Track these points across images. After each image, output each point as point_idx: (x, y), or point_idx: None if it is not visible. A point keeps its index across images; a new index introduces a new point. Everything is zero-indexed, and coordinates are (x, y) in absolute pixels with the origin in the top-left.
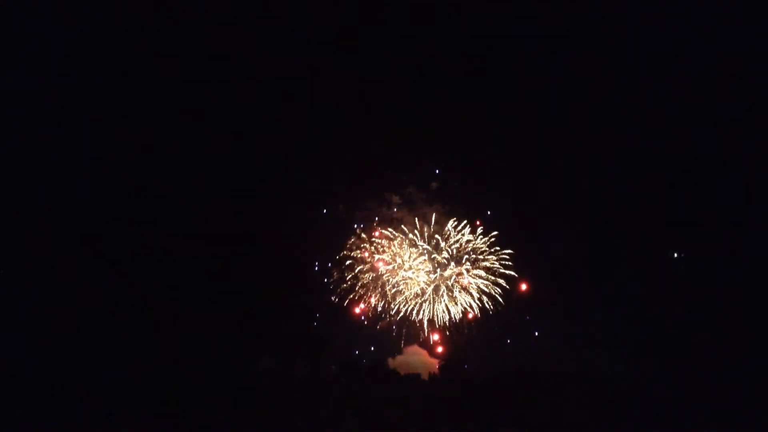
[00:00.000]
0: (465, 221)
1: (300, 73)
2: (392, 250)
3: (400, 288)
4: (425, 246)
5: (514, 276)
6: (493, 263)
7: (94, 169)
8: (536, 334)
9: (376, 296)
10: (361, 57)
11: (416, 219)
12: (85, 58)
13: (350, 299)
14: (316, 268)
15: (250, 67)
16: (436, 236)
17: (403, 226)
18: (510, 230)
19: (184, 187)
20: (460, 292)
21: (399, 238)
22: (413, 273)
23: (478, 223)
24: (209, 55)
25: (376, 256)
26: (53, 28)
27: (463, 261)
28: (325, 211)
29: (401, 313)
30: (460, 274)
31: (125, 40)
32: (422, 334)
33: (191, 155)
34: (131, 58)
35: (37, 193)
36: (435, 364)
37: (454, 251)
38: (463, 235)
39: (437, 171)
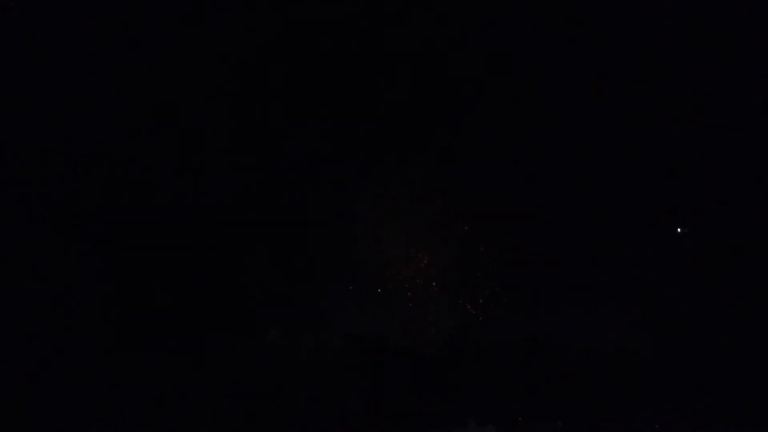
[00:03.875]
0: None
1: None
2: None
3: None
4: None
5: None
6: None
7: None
8: (545, 315)
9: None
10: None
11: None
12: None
13: (356, 279)
14: (322, 246)
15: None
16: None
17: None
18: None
19: (190, 160)
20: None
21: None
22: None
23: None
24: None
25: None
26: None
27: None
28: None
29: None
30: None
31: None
32: (431, 315)
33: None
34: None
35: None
36: (443, 341)
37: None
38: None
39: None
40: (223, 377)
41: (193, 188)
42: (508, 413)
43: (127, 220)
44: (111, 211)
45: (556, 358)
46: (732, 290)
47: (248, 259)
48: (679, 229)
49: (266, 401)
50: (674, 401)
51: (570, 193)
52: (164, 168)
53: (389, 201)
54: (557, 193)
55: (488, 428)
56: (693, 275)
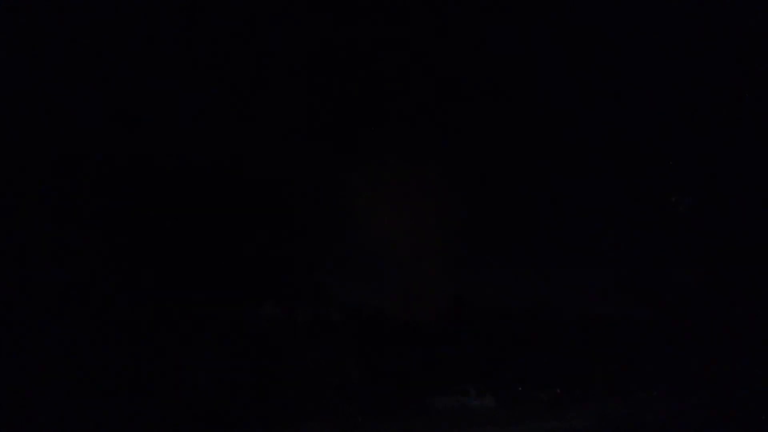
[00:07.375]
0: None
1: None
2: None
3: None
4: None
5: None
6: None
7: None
8: (541, 281)
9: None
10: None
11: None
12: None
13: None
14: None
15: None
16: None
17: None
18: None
19: (185, 131)
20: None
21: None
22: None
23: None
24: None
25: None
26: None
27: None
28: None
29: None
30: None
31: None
32: (428, 285)
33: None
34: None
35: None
36: (441, 310)
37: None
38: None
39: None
40: (223, 348)
41: (194, 161)
42: (507, 382)
43: (130, 191)
44: (111, 180)
45: (553, 327)
46: (722, 258)
47: (247, 234)
48: (673, 198)
49: (266, 371)
50: (671, 367)
51: (563, 163)
52: (168, 141)
53: (384, 174)
54: (553, 165)
55: (487, 398)
56: (687, 243)
